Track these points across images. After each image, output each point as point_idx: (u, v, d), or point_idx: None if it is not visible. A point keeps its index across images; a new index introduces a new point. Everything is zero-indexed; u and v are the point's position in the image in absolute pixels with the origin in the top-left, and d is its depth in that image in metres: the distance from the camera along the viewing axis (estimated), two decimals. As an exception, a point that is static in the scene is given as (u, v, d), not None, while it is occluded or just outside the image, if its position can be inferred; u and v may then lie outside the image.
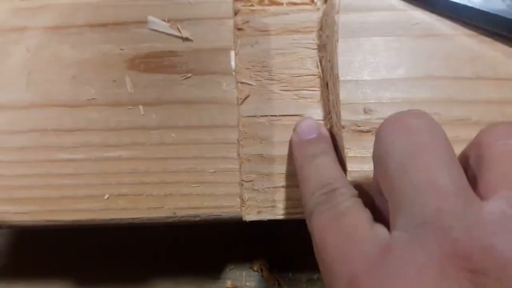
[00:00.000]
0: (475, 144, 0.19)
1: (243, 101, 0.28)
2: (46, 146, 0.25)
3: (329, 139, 0.25)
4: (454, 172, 0.17)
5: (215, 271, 0.29)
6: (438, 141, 0.17)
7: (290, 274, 0.29)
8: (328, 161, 0.23)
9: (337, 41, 0.26)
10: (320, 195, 0.21)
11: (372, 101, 0.25)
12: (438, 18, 0.27)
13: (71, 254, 0.30)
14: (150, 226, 0.25)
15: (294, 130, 0.26)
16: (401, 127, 0.18)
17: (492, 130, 0.18)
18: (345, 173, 0.24)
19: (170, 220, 0.24)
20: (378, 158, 0.19)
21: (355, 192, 0.21)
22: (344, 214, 0.20)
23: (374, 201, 0.22)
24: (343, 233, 0.19)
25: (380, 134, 0.19)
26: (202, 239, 0.30)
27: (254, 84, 0.28)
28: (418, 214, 0.16)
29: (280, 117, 0.28)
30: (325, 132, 0.26)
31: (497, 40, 0.26)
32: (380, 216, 0.21)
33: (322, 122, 0.27)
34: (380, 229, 0.18)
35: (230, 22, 0.26)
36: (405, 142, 0.17)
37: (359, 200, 0.21)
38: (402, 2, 0.27)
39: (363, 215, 0.19)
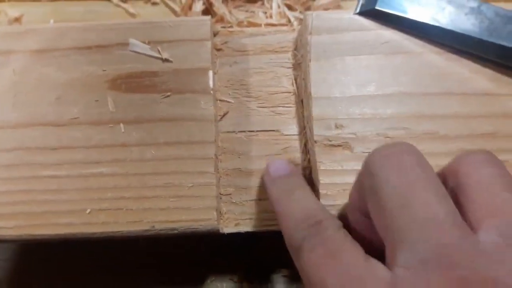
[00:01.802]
0: (452, 172, 0.19)
1: (222, 118, 0.29)
2: (31, 163, 0.26)
3: (301, 174, 0.25)
4: (449, 206, 0.17)
5: (196, 282, 0.30)
6: (430, 177, 0.18)
7: (269, 285, 0.30)
8: (306, 194, 0.23)
9: (310, 60, 0.27)
10: (307, 227, 0.21)
11: (343, 117, 0.26)
12: (406, 36, 0.28)
13: (49, 269, 0.31)
14: (130, 239, 0.26)
15: (266, 170, 0.25)
16: (394, 163, 0.18)
17: (469, 159, 0.19)
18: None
19: (149, 233, 0.25)
20: (370, 190, 0.19)
21: (340, 223, 0.21)
22: (339, 251, 0.19)
23: (350, 222, 0.22)
24: (343, 272, 0.18)
25: (371, 167, 0.19)
26: (182, 251, 0.31)
27: (233, 102, 0.29)
28: (421, 250, 0.16)
29: (257, 133, 0.29)
30: (295, 168, 0.26)
31: (463, 57, 0.28)
32: (361, 239, 0.21)
33: (297, 137, 0.29)
34: (377, 264, 0.18)
35: (209, 44, 0.27)
36: (400, 179, 0.18)
37: (347, 232, 0.20)
38: (372, 22, 0.28)
39: (358, 250, 0.19)
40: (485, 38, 0.26)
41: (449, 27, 0.27)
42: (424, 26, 0.27)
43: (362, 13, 0.28)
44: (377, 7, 0.27)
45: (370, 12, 0.28)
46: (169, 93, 0.27)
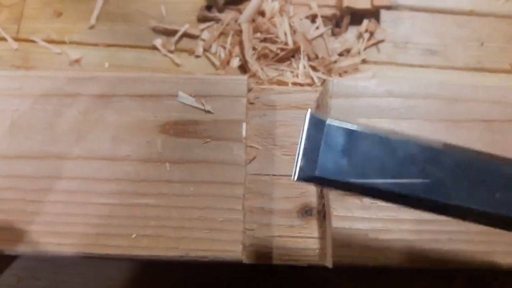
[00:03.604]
0: None
1: (250, 162, 0.34)
2: (88, 191, 0.31)
3: None
4: None
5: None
6: None
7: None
8: None
9: (329, 119, 0.32)
10: None
11: (355, 171, 0.31)
12: (414, 103, 0.33)
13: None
14: (166, 263, 0.30)
15: None
16: None
17: None
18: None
19: (183, 259, 0.29)
20: None
21: None
22: None
23: None
24: None
25: None
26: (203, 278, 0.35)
27: (260, 148, 0.34)
28: None
29: (280, 177, 0.34)
30: None
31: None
32: None
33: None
34: None
35: (244, 100, 0.32)
36: None
37: None
38: (384, 90, 0.33)
39: None
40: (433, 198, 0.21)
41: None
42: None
43: (300, 179, 0.22)
44: (317, 174, 0.21)
45: (311, 179, 0.22)
46: (208, 140, 0.32)
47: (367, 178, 0.21)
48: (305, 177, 0.22)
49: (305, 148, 0.22)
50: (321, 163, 0.21)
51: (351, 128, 0.22)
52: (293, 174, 0.22)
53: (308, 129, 0.22)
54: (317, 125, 0.22)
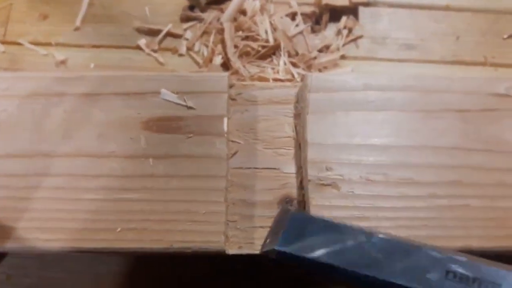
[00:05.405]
0: None
1: (232, 156, 0.35)
2: (74, 187, 0.32)
3: None
4: None
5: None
6: None
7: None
8: None
9: (308, 113, 0.33)
10: None
11: (333, 161, 0.32)
12: (389, 96, 0.34)
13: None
14: (152, 256, 0.31)
15: None
16: None
17: None
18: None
19: (168, 251, 0.30)
20: None
21: None
22: None
23: None
24: None
25: None
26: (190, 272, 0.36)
27: (242, 143, 0.35)
28: None
29: (261, 170, 0.34)
30: None
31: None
32: None
33: (294, 175, 0.34)
34: None
35: (225, 96, 0.33)
36: None
37: None
38: (361, 84, 0.34)
39: None
40: (370, 274, 0.25)
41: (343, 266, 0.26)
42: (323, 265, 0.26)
43: (265, 252, 0.29)
44: (276, 248, 0.27)
45: (272, 252, 0.28)
46: (191, 135, 0.33)
47: (316, 255, 0.26)
48: (269, 250, 0.28)
49: (273, 229, 0.30)
50: (281, 240, 0.27)
51: (309, 217, 0.29)
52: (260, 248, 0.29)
53: (278, 215, 0.30)
54: (285, 213, 0.29)
